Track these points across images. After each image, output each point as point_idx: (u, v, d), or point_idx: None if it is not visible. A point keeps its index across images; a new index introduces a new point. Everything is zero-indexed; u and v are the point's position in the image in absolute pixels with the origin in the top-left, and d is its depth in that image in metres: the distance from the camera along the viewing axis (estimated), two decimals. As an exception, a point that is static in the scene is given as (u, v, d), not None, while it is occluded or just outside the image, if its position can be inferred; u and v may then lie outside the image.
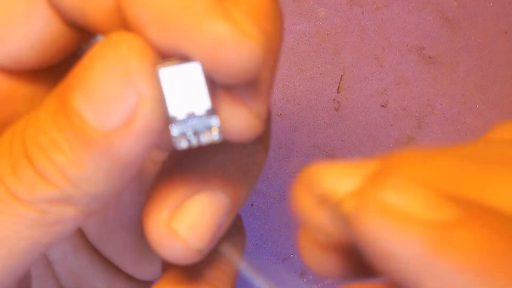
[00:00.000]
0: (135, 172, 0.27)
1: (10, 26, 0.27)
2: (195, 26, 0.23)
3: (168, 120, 0.25)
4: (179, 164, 0.29)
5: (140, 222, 0.30)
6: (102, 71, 0.24)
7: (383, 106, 0.81)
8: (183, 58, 0.24)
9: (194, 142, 0.25)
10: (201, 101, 0.24)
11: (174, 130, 0.25)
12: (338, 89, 0.80)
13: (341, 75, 0.81)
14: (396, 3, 0.84)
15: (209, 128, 0.25)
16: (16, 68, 0.29)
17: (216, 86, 0.25)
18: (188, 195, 0.27)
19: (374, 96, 0.81)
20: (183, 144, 0.25)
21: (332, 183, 0.21)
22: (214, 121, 0.25)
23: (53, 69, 0.30)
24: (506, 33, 0.83)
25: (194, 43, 0.23)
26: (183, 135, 0.25)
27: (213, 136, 0.25)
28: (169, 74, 0.24)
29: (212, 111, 0.25)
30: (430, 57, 0.82)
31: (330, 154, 0.79)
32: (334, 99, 0.81)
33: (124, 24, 0.25)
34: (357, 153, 0.78)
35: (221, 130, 0.25)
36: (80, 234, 0.37)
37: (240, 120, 0.25)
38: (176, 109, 0.24)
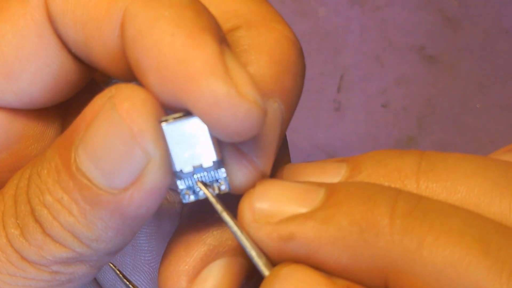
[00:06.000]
0: (146, 221, 0.25)
1: (22, 61, 0.26)
2: (192, 81, 0.22)
3: (174, 174, 0.24)
4: (198, 218, 0.28)
5: (156, 267, 0.29)
6: (107, 131, 0.23)
7: (383, 106, 0.81)
8: (188, 111, 0.23)
9: (202, 194, 0.24)
10: (207, 154, 0.24)
11: (181, 185, 0.24)
12: (338, 89, 0.80)
13: (341, 75, 0.81)
14: (397, 2, 0.83)
15: (216, 180, 0.24)
16: (27, 107, 0.28)
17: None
18: (207, 260, 0.26)
19: (375, 96, 0.81)
20: (190, 198, 0.24)
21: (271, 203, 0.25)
22: (222, 173, 0.24)
23: (61, 105, 0.29)
24: (507, 32, 0.83)
25: (192, 99, 0.22)
26: (190, 189, 0.24)
27: (221, 188, 0.24)
28: (173, 130, 0.23)
29: (219, 163, 0.24)
30: (431, 57, 0.82)
31: (330, 154, 0.79)
32: (334, 99, 0.80)
33: (128, 67, 0.24)
34: (357, 153, 0.78)
35: (228, 181, 0.24)
36: (96, 283, 0.36)
37: (242, 176, 0.24)
38: (182, 164, 0.24)
